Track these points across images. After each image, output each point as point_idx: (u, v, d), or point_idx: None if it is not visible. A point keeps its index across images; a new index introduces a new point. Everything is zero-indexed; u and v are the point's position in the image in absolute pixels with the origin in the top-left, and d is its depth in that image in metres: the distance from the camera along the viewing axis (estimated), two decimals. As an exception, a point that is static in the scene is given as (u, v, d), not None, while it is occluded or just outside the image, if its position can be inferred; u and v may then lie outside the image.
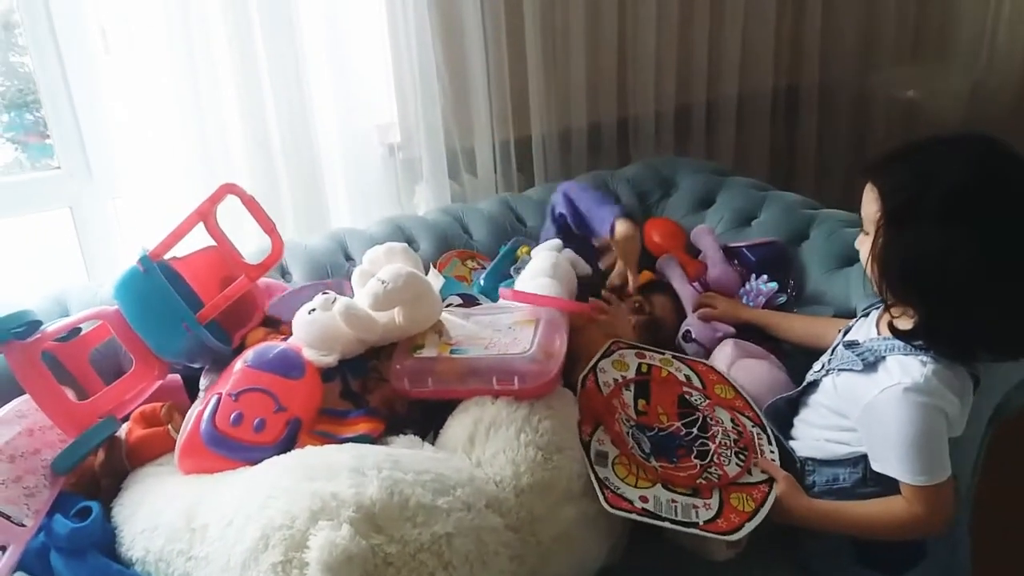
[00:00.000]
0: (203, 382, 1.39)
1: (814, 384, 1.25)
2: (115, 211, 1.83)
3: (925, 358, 1.10)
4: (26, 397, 1.27)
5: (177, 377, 1.42)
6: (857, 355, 1.16)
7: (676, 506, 1.16)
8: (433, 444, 1.21)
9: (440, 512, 1.01)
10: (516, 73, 2.02)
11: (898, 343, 1.12)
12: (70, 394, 1.29)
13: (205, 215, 1.30)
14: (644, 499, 1.15)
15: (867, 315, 1.25)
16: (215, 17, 1.68)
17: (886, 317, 1.17)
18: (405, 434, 1.22)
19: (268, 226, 1.35)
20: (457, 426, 1.19)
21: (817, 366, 1.27)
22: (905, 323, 1.13)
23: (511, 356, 1.21)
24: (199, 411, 1.18)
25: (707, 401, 1.33)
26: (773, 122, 2.42)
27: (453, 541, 0.99)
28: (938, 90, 2.64)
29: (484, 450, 1.15)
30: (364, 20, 1.87)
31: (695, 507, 1.17)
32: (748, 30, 2.28)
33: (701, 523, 1.15)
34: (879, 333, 1.18)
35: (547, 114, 2.08)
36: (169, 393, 1.40)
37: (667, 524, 1.13)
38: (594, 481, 1.14)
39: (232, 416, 1.16)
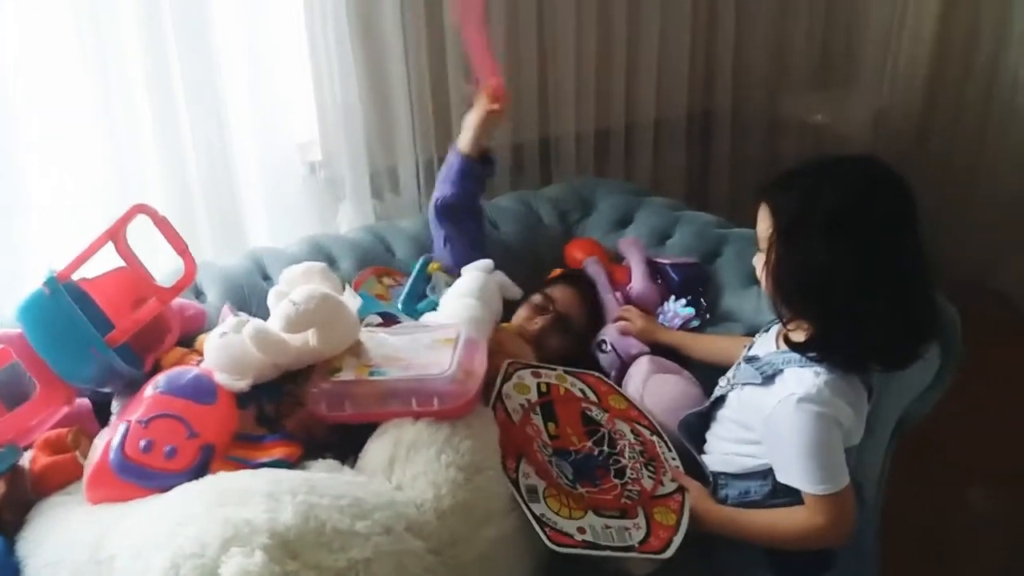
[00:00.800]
0: (115, 406, 1.35)
1: (722, 399, 1.30)
2: (22, 228, 1.76)
3: (819, 369, 1.15)
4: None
5: (86, 402, 1.38)
6: (756, 369, 1.21)
7: (611, 531, 1.18)
8: (353, 468, 1.20)
9: (358, 537, 1.00)
10: (438, 92, 2.03)
11: (795, 356, 1.17)
12: (-32, 422, 1.23)
13: (115, 235, 1.26)
14: (582, 530, 1.16)
15: (768, 330, 1.30)
16: (128, 31, 1.64)
17: (784, 331, 1.22)
18: (324, 458, 1.21)
19: (180, 247, 1.32)
20: (377, 449, 1.18)
21: (723, 381, 1.31)
22: (799, 336, 1.18)
23: (430, 376, 1.20)
24: (108, 439, 1.14)
25: (606, 414, 1.36)
26: (689, 145, 2.50)
27: (371, 566, 0.98)
28: (844, 115, 2.77)
29: (404, 472, 1.14)
30: (283, 37, 1.86)
31: (627, 529, 1.19)
32: (664, 56, 2.35)
33: (636, 545, 1.17)
34: (778, 347, 1.23)
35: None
36: (78, 419, 1.35)
37: (608, 553, 1.15)
38: (532, 520, 1.14)
39: (142, 443, 1.12)
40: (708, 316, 1.62)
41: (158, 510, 1.02)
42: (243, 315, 1.29)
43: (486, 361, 1.28)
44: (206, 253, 1.81)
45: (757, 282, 1.58)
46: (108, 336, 1.24)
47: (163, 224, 1.31)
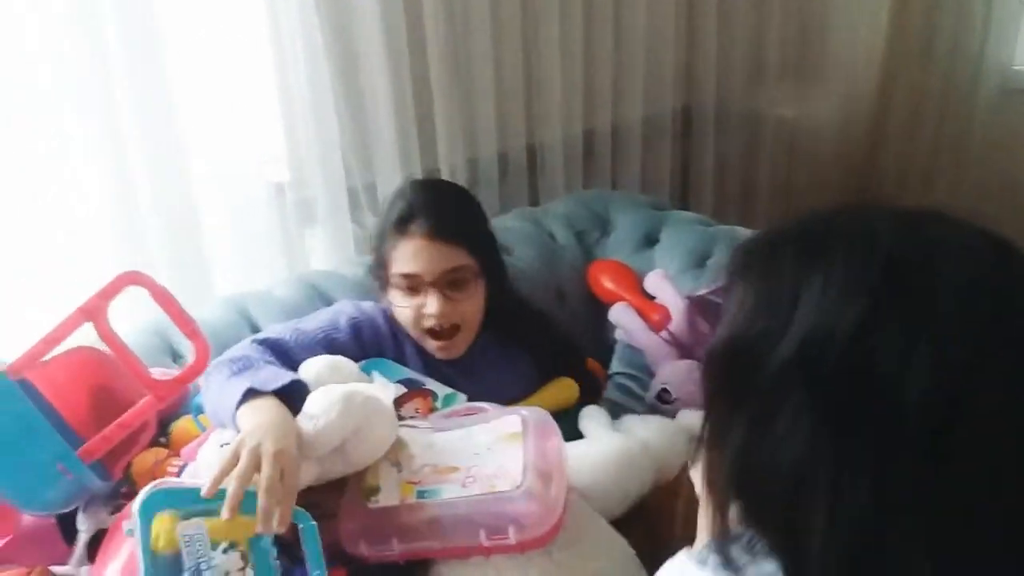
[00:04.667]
0: (83, 522, 1.03)
1: None
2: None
3: None
4: None
5: (50, 521, 1.05)
6: None
7: None
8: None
9: None
10: (421, 96, 1.77)
11: None
12: None
13: (94, 314, 0.96)
14: None
15: None
16: (58, 32, 1.30)
17: None
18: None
19: (188, 327, 1.01)
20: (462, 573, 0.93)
21: None
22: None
23: (500, 495, 0.91)
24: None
25: None
26: (672, 144, 2.34)
27: None
28: (811, 108, 2.68)
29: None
30: (244, 40, 1.54)
31: None
32: (650, 52, 2.17)
33: None
34: None
35: (454, 144, 1.85)
36: (37, 542, 1.02)
37: None
38: None
39: None
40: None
41: None
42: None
43: (565, 453, 1.00)
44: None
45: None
46: (82, 448, 0.94)
47: (163, 296, 1.00)
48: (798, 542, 0.54)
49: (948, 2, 2.65)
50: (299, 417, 0.95)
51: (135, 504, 0.82)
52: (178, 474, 1.04)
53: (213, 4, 1.46)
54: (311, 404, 0.96)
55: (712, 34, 2.31)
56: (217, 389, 0.98)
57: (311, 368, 1.07)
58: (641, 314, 1.50)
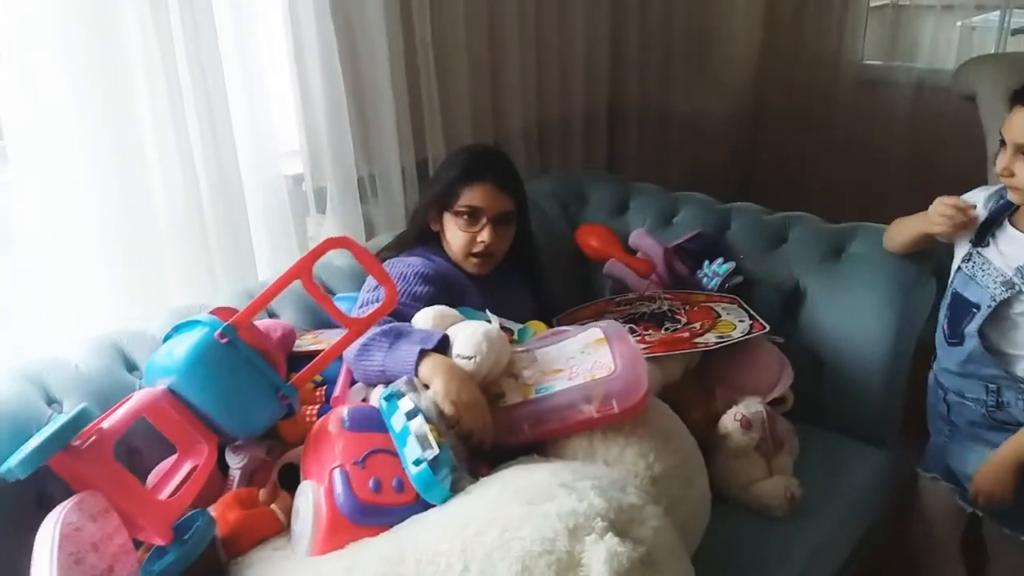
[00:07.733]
0: (237, 460, 1.24)
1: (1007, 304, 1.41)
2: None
3: None
4: (70, 507, 1.04)
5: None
6: None
7: None
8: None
9: (642, 509, 1.04)
10: (414, 102, 2.04)
11: None
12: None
13: (302, 273, 1.19)
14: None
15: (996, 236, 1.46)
16: (133, 40, 1.49)
17: None
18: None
19: (383, 277, 1.27)
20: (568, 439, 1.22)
21: (997, 287, 1.41)
22: None
23: (600, 380, 1.20)
24: (325, 488, 1.08)
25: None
26: (605, 134, 2.71)
27: (661, 534, 1.03)
28: (707, 104, 3.12)
29: (608, 451, 1.20)
30: (271, 46, 1.77)
31: None
32: (585, 59, 2.54)
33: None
34: None
35: (434, 136, 2.10)
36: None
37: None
38: None
39: (371, 483, 1.08)
40: (742, 277, 1.78)
41: (453, 530, 0.99)
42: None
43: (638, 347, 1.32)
44: (218, 271, 1.69)
45: (776, 246, 1.77)
46: (296, 377, 1.17)
47: (364, 256, 1.26)
48: None
49: (810, 9, 3.18)
50: (455, 358, 1.23)
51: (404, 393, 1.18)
52: (317, 415, 1.27)
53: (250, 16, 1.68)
54: (463, 346, 1.24)
55: (634, 42, 2.72)
56: (386, 353, 1.28)
57: (426, 319, 1.36)
58: (629, 267, 1.83)
